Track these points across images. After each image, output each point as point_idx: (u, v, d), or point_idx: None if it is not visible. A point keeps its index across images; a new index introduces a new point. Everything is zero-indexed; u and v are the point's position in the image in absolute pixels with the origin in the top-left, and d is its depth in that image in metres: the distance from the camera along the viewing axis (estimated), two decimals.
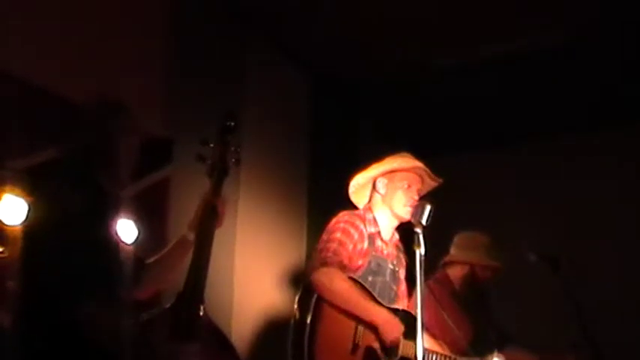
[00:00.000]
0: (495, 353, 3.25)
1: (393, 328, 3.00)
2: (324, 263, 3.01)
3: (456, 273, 3.99)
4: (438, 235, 3.68)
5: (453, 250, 4.05)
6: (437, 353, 3.18)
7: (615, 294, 4.99)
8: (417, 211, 2.78)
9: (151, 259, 2.67)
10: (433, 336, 3.31)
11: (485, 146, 5.69)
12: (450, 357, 3.21)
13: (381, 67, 5.01)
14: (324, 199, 4.72)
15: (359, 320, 2.99)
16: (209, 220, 2.58)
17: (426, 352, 3.04)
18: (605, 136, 5.39)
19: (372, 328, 3.00)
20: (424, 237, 2.71)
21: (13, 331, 2.54)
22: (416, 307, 2.67)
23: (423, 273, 2.66)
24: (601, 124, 5.34)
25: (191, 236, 2.62)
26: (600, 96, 5.13)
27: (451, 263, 4.01)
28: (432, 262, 3.95)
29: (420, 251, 2.68)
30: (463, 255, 3.99)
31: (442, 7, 4.37)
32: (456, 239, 4.06)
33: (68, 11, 4.01)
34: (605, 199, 5.32)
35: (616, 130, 5.34)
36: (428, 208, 2.75)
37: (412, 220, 2.78)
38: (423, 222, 2.74)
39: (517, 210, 5.49)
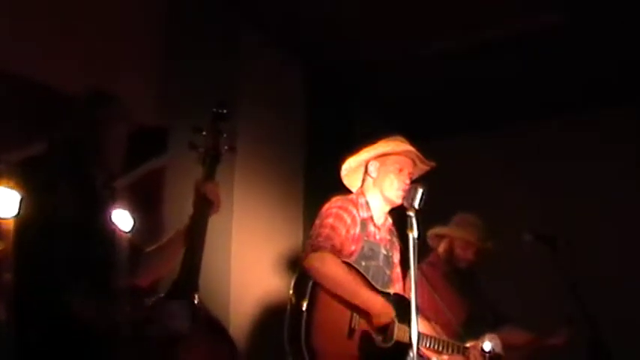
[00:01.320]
0: (487, 335, 3.25)
1: (383, 313, 3.01)
2: (317, 248, 3.02)
3: (440, 249, 4.00)
4: (435, 218, 3.71)
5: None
6: (431, 337, 3.20)
7: (613, 272, 5.00)
8: (410, 194, 2.77)
9: (150, 248, 2.67)
10: (427, 319, 3.32)
11: (481, 128, 5.69)
12: (443, 340, 3.22)
13: (375, 53, 4.99)
14: (320, 186, 4.71)
15: (354, 305, 3.00)
16: (202, 207, 2.58)
17: (421, 335, 3.05)
18: (602, 115, 5.37)
19: (365, 312, 3.00)
20: (417, 220, 2.71)
21: (8, 323, 2.54)
22: (410, 291, 2.68)
23: (416, 256, 2.66)
24: (597, 103, 5.32)
25: (188, 223, 2.62)
26: (596, 76, 5.11)
27: (439, 240, 4.01)
28: (426, 246, 3.98)
29: (414, 235, 2.68)
30: (446, 229, 3.99)
31: None
32: (453, 218, 4.06)
33: (63, 8, 3.99)
34: (603, 179, 5.32)
35: (613, 109, 5.32)
36: (420, 191, 2.74)
37: (405, 204, 2.78)
38: (416, 205, 2.73)
39: (514, 191, 5.48)
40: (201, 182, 2.62)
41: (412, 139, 3.39)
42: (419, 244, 2.67)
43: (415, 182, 3.05)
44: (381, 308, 3.01)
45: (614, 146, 5.37)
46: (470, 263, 3.95)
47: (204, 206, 2.59)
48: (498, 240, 3.99)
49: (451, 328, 3.56)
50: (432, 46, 4.88)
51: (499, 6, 4.47)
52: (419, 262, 2.74)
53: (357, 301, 2.99)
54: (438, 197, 2.86)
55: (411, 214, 2.70)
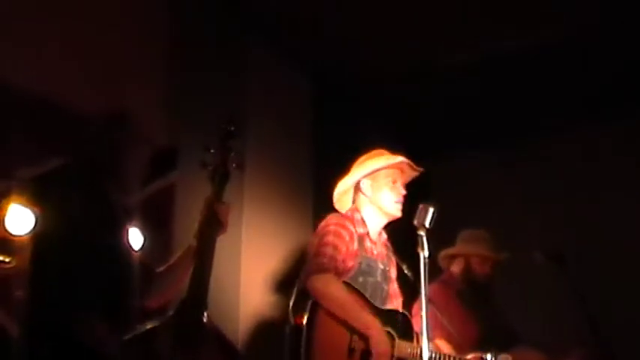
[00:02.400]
0: (500, 355, 3.23)
1: (381, 342, 2.99)
2: (321, 269, 3.01)
3: (455, 268, 4.00)
4: (444, 236, 3.71)
5: (455, 246, 4.06)
6: (435, 353, 3.18)
7: (623, 290, 4.96)
8: (421, 213, 2.78)
9: (161, 268, 2.69)
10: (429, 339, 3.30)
11: (488, 145, 5.67)
12: (444, 355, 3.21)
13: (382, 68, 5.00)
14: (329, 203, 4.72)
15: (353, 328, 3.00)
16: (210, 225, 2.59)
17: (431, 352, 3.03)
18: (608, 131, 5.35)
19: (364, 337, 3.00)
20: (428, 239, 2.72)
21: (20, 340, 2.55)
22: (420, 311, 2.68)
23: (427, 276, 2.66)
24: (604, 119, 5.31)
25: (195, 242, 2.63)
26: (602, 92, 5.11)
27: (453, 259, 4.01)
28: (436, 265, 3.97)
29: (424, 254, 2.68)
30: (461, 248, 3.99)
31: (442, 6, 4.37)
32: (459, 235, 4.07)
33: (72, 25, 4.05)
34: (610, 195, 5.29)
35: (620, 126, 5.31)
36: (431, 210, 2.75)
37: (416, 223, 2.78)
38: (427, 225, 2.74)
39: (522, 209, 5.46)
40: (212, 201, 2.63)
41: (420, 158, 3.39)
42: (428, 263, 2.68)
43: (426, 202, 3.04)
44: (380, 337, 2.99)
45: (622, 161, 5.34)
46: (488, 277, 3.96)
47: (213, 225, 2.60)
48: (509, 255, 3.99)
49: (460, 347, 3.54)
50: (440, 62, 4.89)
51: (505, 23, 4.49)
52: (430, 281, 2.73)
53: (359, 327, 2.99)
54: (444, 215, 2.86)
55: (422, 233, 2.71)
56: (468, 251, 3.97)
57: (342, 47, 4.81)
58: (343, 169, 3.59)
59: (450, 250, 4.02)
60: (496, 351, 3.26)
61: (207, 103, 4.53)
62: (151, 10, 4.58)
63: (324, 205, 4.95)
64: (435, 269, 3.65)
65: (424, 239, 2.71)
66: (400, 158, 3.28)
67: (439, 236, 2.87)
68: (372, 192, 3.27)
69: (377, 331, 2.99)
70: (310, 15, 4.48)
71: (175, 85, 4.68)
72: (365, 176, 3.29)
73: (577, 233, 4.99)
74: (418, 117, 5.44)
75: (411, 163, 3.30)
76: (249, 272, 4.47)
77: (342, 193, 3.36)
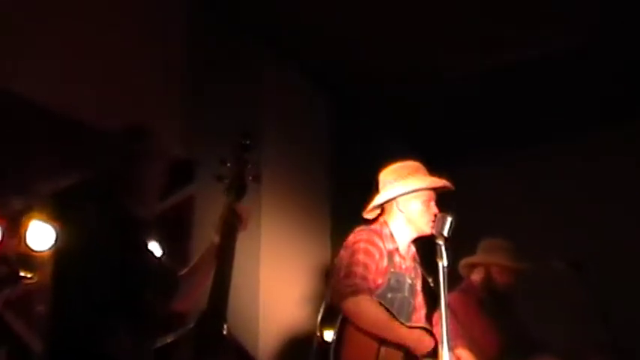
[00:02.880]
0: None
1: (422, 345, 3.02)
2: (355, 292, 2.97)
3: (475, 277, 3.98)
4: (463, 246, 3.69)
5: (475, 256, 4.04)
6: None
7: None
8: (439, 223, 2.77)
9: (184, 270, 2.70)
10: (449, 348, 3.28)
11: (506, 153, 5.65)
12: None
13: (399, 79, 5.00)
14: (347, 214, 4.71)
15: (382, 341, 2.99)
16: (231, 223, 2.61)
17: None
18: (624, 134, 5.30)
19: (400, 348, 3.00)
20: (446, 248, 2.71)
21: (42, 355, 2.57)
22: (440, 320, 2.67)
23: (446, 285, 2.66)
24: (618, 123, 5.27)
25: (217, 239, 2.64)
26: (614, 96, 5.07)
27: (473, 268, 4.00)
28: (455, 273, 3.95)
29: (443, 263, 2.67)
30: (481, 257, 3.98)
31: (460, 17, 4.37)
32: (479, 245, 4.05)
33: (90, 40, 4.09)
34: (629, 200, 5.23)
35: (635, 129, 5.26)
36: (449, 219, 2.75)
37: (434, 232, 2.77)
38: (445, 234, 2.74)
39: (539, 216, 5.42)
40: (231, 201, 2.64)
41: (437, 167, 3.37)
42: (448, 272, 2.67)
43: (444, 211, 3.02)
44: (417, 340, 3.01)
45: (635, 164, 5.28)
46: (509, 287, 3.94)
47: (234, 223, 2.60)
48: (530, 264, 3.97)
49: (487, 355, 3.52)
50: (456, 72, 4.89)
51: (521, 29, 4.48)
52: (449, 290, 2.72)
53: (397, 340, 2.99)
54: (463, 224, 2.85)
55: (440, 242, 2.71)
56: (489, 260, 3.95)
57: (358, 59, 4.82)
58: (360, 178, 3.58)
59: (471, 259, 4.00)
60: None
61: (224, 115, 4.56)
62: (169, 25, 4.63)
63: (341, 217, 4.97)
64: (454, 278, 3.65)
65: (442, 248, 2.71)
66: (444, 182, 3.25)
67: (459, 245, 2.86)
68: (408, 208, 3.24)
69: (416, 340, 3.01)
70: (326, 28, 4.51)
71: (193, 99, 4.71)
72: (405, 194, 3.25)
73: (597, 240, 4.94)
74: (435, 126, 5.43)
75: (450, 186, 3.26)
76: (268, 284, 4.47)
77: (377, 206, 3.32)
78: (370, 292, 3.02)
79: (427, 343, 3.01)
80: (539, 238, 4.90)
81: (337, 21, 4.46)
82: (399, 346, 3.01)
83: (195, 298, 2.71)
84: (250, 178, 2.71)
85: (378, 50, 4.74)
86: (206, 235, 4.22)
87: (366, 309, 2.96)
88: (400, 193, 3.23)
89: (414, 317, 3.25)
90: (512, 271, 3.93)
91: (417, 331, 3.04)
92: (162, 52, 4.58)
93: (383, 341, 2.98)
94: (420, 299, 3.32)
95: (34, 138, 3.89)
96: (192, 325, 2.45)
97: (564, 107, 5.19)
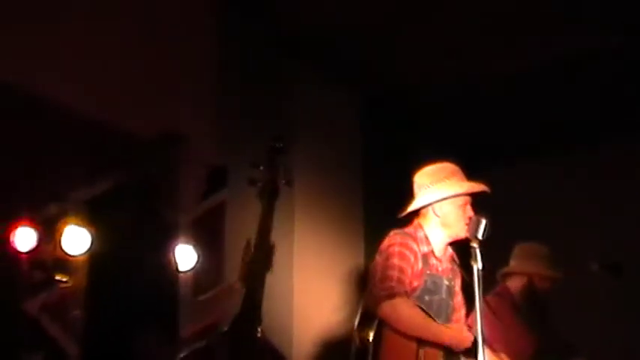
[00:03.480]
0: None
1: (463, 340, 2.97)
2: (391, 295, 2.95)
3: (515, 284, 3.92)
4: (498, 248, 3.65)
5: (512, 262, 3.99)
6: None
7: None
8: (473, 225, 2.74)
9: (201, 297, 2.70)
10: (493, 350, 3.24)
11: (540, 155, 5.57)
12: None
13: (431, 81, 4.98)
14: (380, 216, 4.69)
15: (420, 342, 2.96)
16: (260, 264, 2.59)
17: None
18: None
19: (439, 348, 2.96)
20: (481, 251, 2.68)
21: (79, 358, 2.60)
22: (475, 323, 2.64)
23: (481, 288, 2.63)
24: None
25: (240, 285, 2.62)
26: None
27: (510, 275, 3.94)
28: (492, 276, 3.90)
29: (478, 266, 2.65)
30: (521, 266, 3.92)
31: (487, 18, 4.34)
32: (516, 250, 3.99)
33: (125, 48, 4.15)
34: None
35: None
36: (483, 222, 2.73)
37: (468, 235, 2.74)
38: (479, 236, 2.71)
39: (577, 218, 5.33)
40: (265, 215, 2.63)
41: (470, 168, 3.33)
42: (483, 275, 2.64)
43: (478, 213, 2.99)
44: (458, 336, 2.97)
45: None
46: (547, 293, 3.89)
47: (263, 264, 2.60)
48: (568, 269, 3.91)
49: (522, 359, 3.47)
50: (487, 71, 4.84)
51: (556, 29, 4.43)
52: (485, 293, 2.69)
53: (437, 340, 2.95)
54: (498, 226, 2.81)
55: (475, 245, 2.69)
56: (530, 270, 3.88)
57: (388, 61, 4.81)
58: (392, 181, 3.55)
59: (513, 268, 3.93)
60: None
61: (255, 121, 4.57)
62: (201, 33, 4.67)
63: (374, 219, 4.95)
64: (489, 281, 3.60)
65: (477, 251, 2.69)
66: (482, 187, 3.20)
67: (492, 248, 2.83)
68: (443, 212, 3.20)
69: (453, 335, 2.98)
70: (354, 30, 4.50)
71: (224, 105, 4.74)
72: (443, 200, 3.21)
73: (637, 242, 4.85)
74: (466, 128, 5.39)
75: (488, 191, 3.21)
76: (301, 288, 4.47)
77: (413, 210, 3.29)
78: (407, 294, 3.00)
79: (467, 337, 2.97)
80: (575, 241, 4.82)
81: (365, 24, 4.45)
82: (438, 347, 2.97)
83: (208, 323, 2.70)
84: (283, 182, 2.70)
85: (409, 54, 4.72)
86: (237, 241, 4.25)
87: (403, 311, 2.94)
88: (437, 199, 3.18)
89: (453, 317, 3.21)
90: (554, 279, 3.88)
91: (455, 326, 3.03)
92: (195, 59, 4.62)
93: (421, 343, 2.95)
94: (459, 299, 3.29)
95: (69, 144, 3.94)
96: (226, 329, 2.46)
97: (597, 108, 5.11)
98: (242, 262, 2.64)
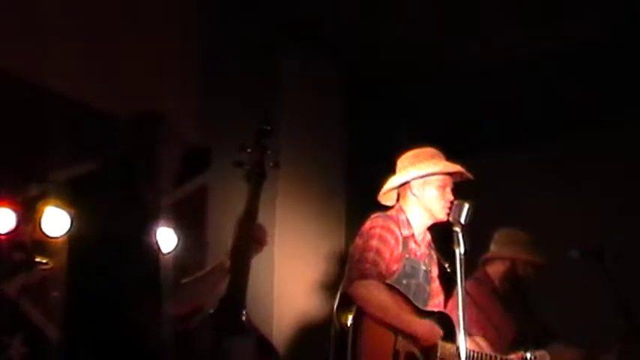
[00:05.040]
0: (537, 352, 3.19)
1: (431, 335, 3.00)
2: (363, 275, 2.98)
3: (496, 270, 3.95)
4: (477, 234, 3.67)
5: (492, 247, 4.01)
6: (474, 352, 3.15)
7: None
8: (456, 210, 2.77)
9: (186, 280, 2.67)
10: (469, 334, 3.27)
11: (521, 143, 5.62)
12: (487, 354, 3.18)
13: (417, 69, 4.99)
14: (361, 202, 4.70)
15: (397, 329, 2.99)
16: (247, 244, 2.58)
17: (467, 351, 3.01)
18: None
19: (413, 338, 2.99)
20: (463, 236, 2.70)
21: (60, 340, 2.58)
22: (457, 308, 2.66)
23: (463, 272, 2.65)
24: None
25: (228, 263, 2.61)
26: (634, 88, 5.03)
27: (491, 260, 3.97)
28: (472, 261, 3.93)
29: (460, 250, 2.67)
30: (503, 251, 3.95)
31: (477, 5, 4.35)
32: (496, 236, 4.02)
33: (108, 28, 4.09)
34: None
35: None
36: (466, 207, 2.75)
37: (451, 220, 2.76)
38: (462, 221, 2.74)
39: (557, 206, 5.39)
40: (251, 198, 2.62)
41: (454, 156, 3.35)
42: (465, 259, 2.66)
43: (460, 199, 3.01)
44: (428, 331, 2.99)
45: None
46: (529, 279, 3.93)
47: (250, 245, 2.59)
48: (548, 254, 3.95)
49: (500, 344, 3.51)
50: (474, 60, 4.86)
51: (543, 21, 4.46)
52: (466, 278, 2.71)
53: (404, 328, 2.97)
54: (480, 213, 2.84)
55: (457, 229, 2.71)
56: (512, 255, 3.92)
57: (376, 46, 4.81)
58: (375, 166, 3.56)
59: (497, 253, 3.96)
60: (533, 349, 3.23)
61: (239, 103, 4.55)
62: (186, 13, 4.62)
63: (356, 204, 4.97)
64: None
65: (460, 235, 2.70)
66: (457, 167, 3.23)
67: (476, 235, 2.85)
68: (421, 193, 3.22)
69: (425, 329, 2.99)
70: (343, 14, 4.49)
71: (208, 86, 4.71)
72: (418, 178, 3.24)
73: (617, 230, 4.91)
74: (451, 114, 5.41)
75: (466, 173, 3.25)
76: (282, 271, 4.49)
77: (390, 189, 3.32)
78: (380, 277, 3.01)
79: (436, 333, 3.00)
80: (556, 228, 4.87)
81: (354, 8, 4.44)
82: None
83: (194, 307, 2.69)
84: (271, 164, 2.69)
85: (395, 38, 4.72)
86: (220, 223, 4.26)
87: (372, 294, 2.95)
88: (413, 177, 3.23)
89: (430, 304, 3.23)
90: (536, 265, 3.92)
91: (428, 321, 3.03)
92: (179, 39, 4.58)
93: (399, 330, 2.98)
94: (436, 285, 3.31)
95: (48, 125, 3.89)
96: (211, 311, 2.45)
97: (583, 98, 5.15)
98: (232, 241, 2.62)
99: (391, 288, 3.04)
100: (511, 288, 3.92)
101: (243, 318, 2.44)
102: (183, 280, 2.66)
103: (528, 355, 3.13)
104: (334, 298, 3.12)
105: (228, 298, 2.46)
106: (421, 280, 3.21)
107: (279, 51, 4.76)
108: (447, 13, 4.48)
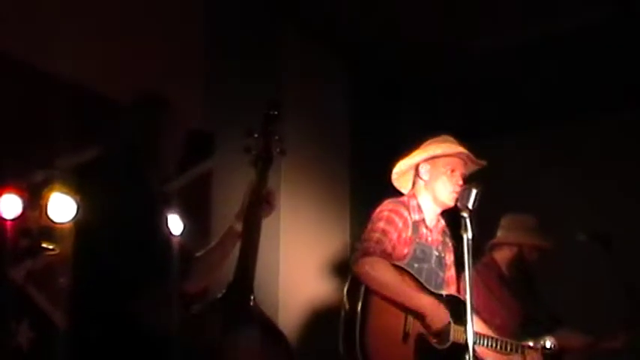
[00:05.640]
0: (548, 337, 3.19)
1: (439, 315, 3.00)
2: (367, 253, 3.00)
3: (503, 255, 3.94)
4: (485, 219, 3.66)
5: (499, 233, 4.01)
6: (488, 336, 3.16)
7: None
8: (464, 195, 2.77)
9: (200, 252, 2.68)
10: (483, 320, 3.28)
11: (529, 127, 5.58)
12: (501, 339, 3.18)
13: (421, 52, 4.96)
14: (366, 187, 4.70)
15: (407, 308, 2.99)
16: (256, 209, 2.58)
17: (477, 335, 3.02)
18: None
19: (419, 315, 2.99)
20: (471, 221, 2.69)
21: (66, 326, 2.58)
22: (465, 292, 2.66)
23: (471, 257, 2.64)
24: None
25: (239, 226, 2.61)
26: None
27: (498, 246, 3.97)
28: (479, 246, 3.93)
29: (468, 236, 2.67)
30: (511, 236, 3.94)
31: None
32: (503, 221, 4.01)
33: (110, 13, 4.07)
34: None
35: None
36: (474, 192, 2.74)
37: (459, 205, 2.77)
38: (470, 206, 2.73)
39: (565, 190, 5.36)
40: (256, 184, 2.62)
41: (459, 139, 3.35)
42: (473, 245, 2.66)
43: (469, 183, 3.00)
44: (434, 310, 2.99)
45: None
46: (535, 264, 3.92)
47: (259, 208, 2.59)
48: (555, 240, 3.94)
49: (508, 329, 3.51)
50: (479, 43, 4.83)
51: (548, 2, 4.42)
52: (473, 263, 2.71)
53: (409, 305, 2.98)
54: (488, 198, 2.83)
55: (465, 215, 2.70)
56: (519, 240, 3.91)
57: (381, 33, 4.78)
58: (380, 152, 3.56)
59: (504, 239, 3.94)
60: (539, 335, 3.24)
61: (243, 89, 4.54)
62: None
63: (361, 190, 4.96)
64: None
65: (467, 221, 2.70)
66: (460, 149, 3.23)
67: (483, 220, 2.84)
68: (430, 177, 3.23)
69: (431, 307, 2.99)
70: (348, 2, 4.46)
71: (212, 71, 4.69)
72: (424, 160, 3.24)
73: (625, 213, 4.89)
74: (457, 101, 5.39)
75: (471, 156, 3.24)
76: (287, 257, 4.49)
77: (400, 173, 3.32)
78: (385, 255, 3.02)
79: (442, 311, 3.00)
80: (568, 215, 4.85)
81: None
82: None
83: (209, 280, 2.70)
84: (278, 150, 2.68)
85: (400, 21, 4.69)
86: (225, 210, 4.25)
87: (375, 269, 2.96)
88: (418, 159, 3.25)
89: (444, 291, 3.22)
90: (542, 249, 3.91)
91: (434, 299, 3.03)
92: (182, 23, 4.56)
93: (410, 310, 2.98)
94: (451, 273, 3.31)
95: (54, 111, 3.89)
96: (219, 296, 2.45)
97: (592, 83, 5.12)
98: (242, 204, 2.61)
99: (398, 268, 3.05)
100: (518, 273, 3.91)
101: (251, 304, 2.44)
102: (198, 254, 2.67)
103: (548, 343, 3.13)
104: (339, 284, 3.13)
105: (236, 283, 2.45)
106: (433, 265, 3.21)
107: (282, 38, 4.73)
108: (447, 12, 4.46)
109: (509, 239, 3.94)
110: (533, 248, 3.90)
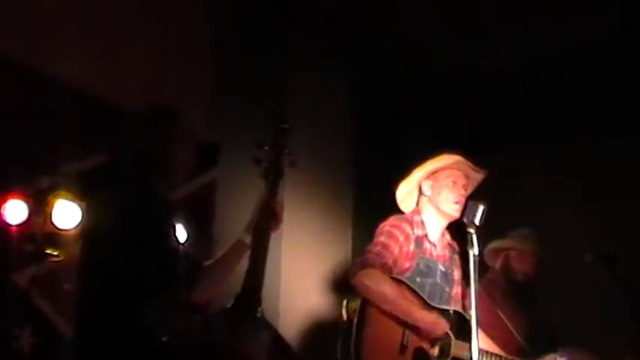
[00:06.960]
0: (554, 356, 3.19)
1: (435, 328, 3.00)
2: (366, 265, 3.03)
3: (496, 265, 3.93)
4: (492, 235, 3.67)
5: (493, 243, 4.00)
6: (492, 354, 3.16)
7: None
8: (470, 211, 2.78)
9: (209, 262, 2.69)
10: (489, 337, 3.28)
11: (537, 145, 5.59)
12: (507, 358, 3.18)
13: (427, 69, 4.98)
14: (369, 201, 4.72)
15: (406, 323, 2.99)
16: (266, 222, 2.59)
17: (481, 352, 3.01)
18: None
19: (416, 328, 2.99)
20: (477, 237, 2.71)
21: (69, 332, 2.57)
22: (470, 308, 2.67)
23: (477, 273, 2.66)
24: None
25: (247, 239, 2.62)
26: None
27: (494, 256, 3.95)
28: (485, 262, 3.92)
29: (474, 252, 2.68)
30: (497, 243, 3.93)
31: (488, 6, 4.34)
32: (508, 235, 4.01)
33: (117, 21, 4.09)
34: None
35: None
36: (481, 208, 2.75)
37: (465, 221, 2.78)
38: (476, 222, 2.74)
39: (572, 209, 5.36)
40: (266, 197, 2.63)
41: (465, 154, 3.36)
42: (479, 261, 2.67)
43: (475, 199, 3.01)
44: (431, 323, 3.00)
45: None
46: (528, 276, 3.89)
47: (268, 221, 2.60)
48: (559, 256, 3.93)
49: (514, 344, 3.51)
50: (485, 61, 4.86)
51: (551, 21, 4.45)
52: (479, 279, 2.72)
53: (405, 317, 2.99)
54: (495, 216, 2.84)
55: (472, 231, 2.71)
56: (507, 246, 3.91)
57: (385, 47, 4.80)
58: (384, 166, 3.58)
59: (492, 245, 3.96)
60: (545, 353, 3.24)
61: (248, 100, 4.55)
62: (197, 6, 4.61)
63: (364, 204, 4.97)
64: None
65: (474, 237, 2.71)
66: (458, 157, 3.25)
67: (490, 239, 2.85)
68: (432, 192, 3.26)
69: (428, 319, 3.00)
70: (353, 11, 4.49)
71: (218, 82, 4.70)
72: (425, 177, 3.26)
73: (631, 234, 4.88)
74: (461, 116, 5.40)
75: (470, 164, 3.27)
76: (288, 269, 4.49)
77: (405, 194, 3.34)
78: (384, 268, 3.04)
79: (441, 326, 3.00)
80: (573, 231, 4.84)
81: (365, 5, 4.44)
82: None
83: (215, 292, 2.70)
84: (287, 163, 2.69)
85: (406, 37, 4.72)
86: (228, 219, 4.26)
87: (372, 281, 2.98)
88: (418, 177, 3.30)
89: (451, 306, 3.23)
90: (531, 257, 3.88)
91: (433, 314, 3.03)
92: (191, 34, 4.58)
93: (407, 323, 2.99)
94: (458, 290, 3.31)
95: (60, 117, 3.90)
96: (228, 306, 2.45)
97: (599, 100, 5.14)
98: (251, 217, 2.62)
99: (398, 281, 3.06)
100: (512, 285, 3.88)
101: (259, 315, 2.45)
102: (206, 263, 2.67)
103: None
104: (340, 295, 3.14)
105: (244, 294, 2.46)
106: (439, 280, 3.21)
107: (288, 48, 4.75)
108: (456, 13, 4.48)
109: (495, 245, 3.93)
110: (520, 255, 3.87)
